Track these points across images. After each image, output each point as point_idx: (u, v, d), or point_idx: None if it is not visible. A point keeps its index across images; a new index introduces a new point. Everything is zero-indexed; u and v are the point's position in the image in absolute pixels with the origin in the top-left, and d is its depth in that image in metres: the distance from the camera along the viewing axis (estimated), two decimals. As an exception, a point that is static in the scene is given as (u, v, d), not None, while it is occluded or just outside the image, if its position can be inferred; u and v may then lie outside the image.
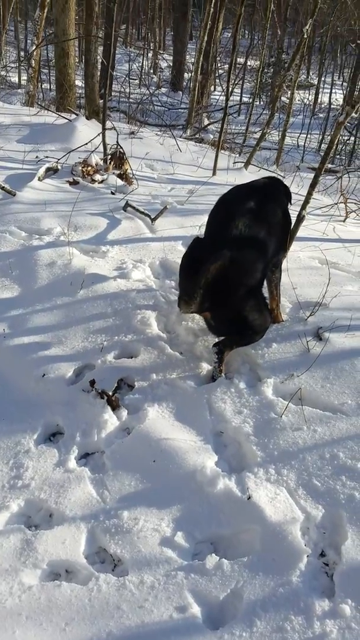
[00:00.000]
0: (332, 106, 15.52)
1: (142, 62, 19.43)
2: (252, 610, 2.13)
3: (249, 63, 18.71)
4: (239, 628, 2.08)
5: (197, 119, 12.67)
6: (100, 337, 3.55)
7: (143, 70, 19.13)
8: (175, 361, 3.39)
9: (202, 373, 3.33)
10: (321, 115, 15.99)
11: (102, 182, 6.04)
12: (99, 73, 10.75)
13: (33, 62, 10.67)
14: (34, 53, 10.69)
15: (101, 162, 6.36)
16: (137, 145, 7.43)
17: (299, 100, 16.22)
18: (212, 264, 2.98)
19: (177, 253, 4.49)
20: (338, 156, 12.35)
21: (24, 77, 14.26)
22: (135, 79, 18.01)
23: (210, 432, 2.93)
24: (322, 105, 17.32)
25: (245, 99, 16.72)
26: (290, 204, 3.83)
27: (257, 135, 9.17)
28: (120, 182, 6.06)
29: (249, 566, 2.28)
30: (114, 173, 6.24)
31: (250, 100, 11.88)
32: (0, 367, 3.42)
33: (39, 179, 5.82)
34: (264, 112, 15.04)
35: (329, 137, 10.75)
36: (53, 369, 3.32)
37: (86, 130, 7.42)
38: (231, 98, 9.13)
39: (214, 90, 17.89)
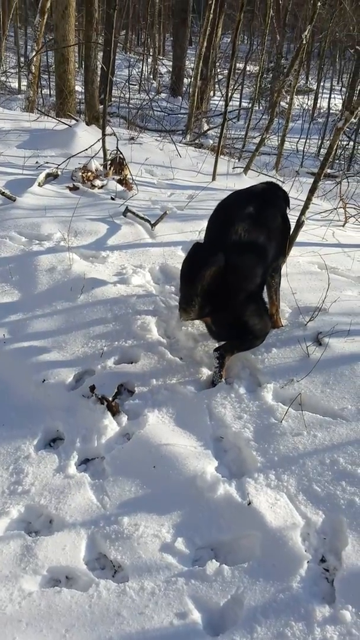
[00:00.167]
0: (331, 111, 15.58)
1: (142, 68, 19.50)
2: (253, 616, 2.12)
3: (248, 68, 18.77)
4: (240, 634, 2.07)
5: (197, 124, 12.72)
6: (100, 342, 3.55)
7: (143, 76, 19.20)
8: (175, 366, 3.40)
9: (202, 378, 3.33)
10: (320, 120, 16.05)
11: (102, 187, 6.05)
12: (98, 79, 10.79)
13: (33, 67, 10.71)
14: (34, 59, 10.73)
15: (101, 168, 6.38)
16: (136, 151, 7.45)
17: (298, 105, 16.27)
18: (207, 270, 2.99)
19: (177, 258, 4.50)
20: (337, 161, 12.39)
21: (24, 82, 14.31)
22: (135, 85, 18.07)
23: (210, 437, 2.93)
24: (321, 110, 17.37)
25: (244, 104, 16.77)
26: (289, 209, 3.84)
27: (257, 141, 9.19)
28: (120, 187, 6.07)
29: (250, 572, 2.28)
30: (113, 179, 6.25)
31: (250, 105, 11.92)
32: (1, 372, 3.42)
33: (39, 185, 5.83)
34: (263, 117, 15.07)
35: (328, 142, 10.78)
36: (53, 374, 3.32)
37: (86, 136, 7.44)
38: (230, 103, 9.16)
39: (214, 95, 17.96)
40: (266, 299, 3.60)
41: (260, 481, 2.64)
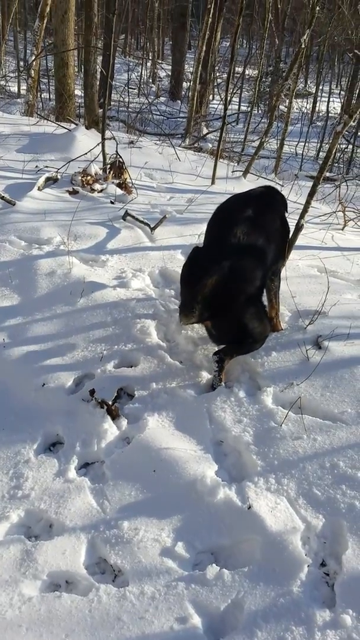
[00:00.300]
0: (329, 114, 15.60)
1: (141, 72, 19.52)
2: (253, 620, 2.12)
3: (247, 72, 18.84)
4: (240, 639, 2.07)
5: (196, 128, 12.74)
6: (100, 346, 3.56)
7: (142, 80, 19.22)
8: (175, 370, 3.40)
9: (201, 382, 3.33)
10: (319, 123, 16.08)
11: (101, 191, 6.06)
12: (98, 83, 10.83)
13: (32, 72, 10.74)
14: (34, 63, 10.76)
15: (100, 172, 6.39)
16: (136, 155, 7.46)
17: (297, 108, 16.32)
18: (208, 279, 2.99)
19: (176, 262, 4.51)
20: (336, 164, 12.41)
21: (24, 86, 14.33)
22: (134, 89, 18.10)
23: (210, 441, 2.93)
24: (320, 114, 17.41)
25: (243, 108, 16.81)
26: (287, 213, 3.85)
27: (256, 144, 9.21)
28: (119, 191, 6.08)
29: (250, 576, 2.28)
30: (113, 182, 6.26)
31: (249, 109, 11.95)
32: (0, 376, 3.42)
33: (39, 189, 5.84)
34: (263, 120, 15.13)
35: (327, 146, 10.81)
36: (53, 378, 3.32)
37: (85, 140, 7.45)
38: (229, 107, 9.16)
39: (213, 99, 17.99)
40: (266, 303, 3.61)
41: (260, 485, 2.64)
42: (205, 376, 3.36)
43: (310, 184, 5.80)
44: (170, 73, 20.14)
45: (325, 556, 2.37)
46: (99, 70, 10.88)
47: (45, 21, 10.48)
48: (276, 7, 17.03)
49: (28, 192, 5.68)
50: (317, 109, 17.25)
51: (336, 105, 18.53)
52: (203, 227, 3.75)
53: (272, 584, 2.24)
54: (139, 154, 7.64)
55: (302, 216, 4.23)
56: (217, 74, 17.57)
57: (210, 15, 10.68)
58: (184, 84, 18.90)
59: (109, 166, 6.46)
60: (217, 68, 17.47)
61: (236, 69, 18.06)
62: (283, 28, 19.01)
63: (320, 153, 13.30)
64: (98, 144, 6.63)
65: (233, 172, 7.95)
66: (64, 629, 2.10)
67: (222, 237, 3.28)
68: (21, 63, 18.35)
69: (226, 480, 2.70)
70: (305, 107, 17.39)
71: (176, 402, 3.16)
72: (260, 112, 17.44)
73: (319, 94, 17.17)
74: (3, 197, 5.43)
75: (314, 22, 7.32)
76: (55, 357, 3.48)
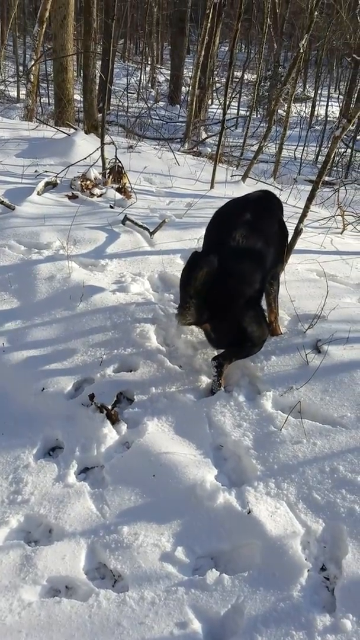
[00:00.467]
0: (328, 118, 15.64)
1: (140, 77, 19.58)
2: (253, 625, 2.12)
3: (246, 77, 18.88)
4: (240, 644, 2.06)
5: (195, 133, 12.78)
6: (99, 350, 3.56)
7: (141, 85, 19.28)
8: (175, 374, 3.40)
9: (201, 386, 3.33)
10: (318, 127, 16.12)
11: (100, 196, 6.07)
12: (97, 88, 10.83)
13: (32, 76, 10.77)
14: (33, 68, 10.79)
15: (100, 176, 6.40)
16: (135, 159, 7.47)
17: (295, 113, 16.34)
18: (199, 271, 3.00)
19: (175, 266, 4.51)
20: (335, 168, 12.43)
21: (23, 91, 14.38)
22: (134, 93, 18.15)
23: (209, 445, 2.92)
24: (319, 118, 17.46)
25: (242, 112, 16.85)
26: (283, 217, 3.86)
27: (255, 148, 9.24)
28: (119, 196, 6.09)
29: (250, 581, 2.27)
30: (112, 187, 6.27)
31: (248, 113, 11.98)
32: (0, 381, 3.42)
33: (38, 193, 5.85)
34: (261, 125, 15.16)
35: (325, 150, 10.83)
36: (52, 383, 3.32)
37: (85, 145, 7.47)
38: (228, 111, 9.19)
39: (212, 103, 18.04)
40: (265, 307, 3.61)
41: (260, 489, 2.64)
42: (205, 380, 3.36)
43: (309, 188, 5.82)
44: (169, 78, 20.21)
45: (325, 560, 2.37)
46: (98, 75, 10.91)
47: (44, 26, 10.51)
48: (275, 12, 17.06)
49: (27, 197, 5.69)
50: (315, 113, 17.30)
51: (335, 109, 18.59)
52: (202, 232, 3.75)
53: (272, 589, 2.24)
54: (138, 159, 7.65)
55: (301, 220, 4.24)
56: (216, 79, 17.61)
57: (209, 20, 10.73)
58: (183, 89, 18.95)
59: (108, 171, 6.48)
60: (216, 73, 17.51)
61: (235, 73, 18.17)
62: (282, 32, 19.05)
63: (319, 157, 13.33)
64: (97, 149, 6.64)
65: (232, 176, 7.97)
66: (64, 634, 2.10)
67: (221, 241, 3.29)
68: (20, 68, 18.43)
69: (226, 485, 2.70)
70: (304, 111, 17.44)
71: (176, 406, 3.16)
72: (259, 116, 17.49)
73: (318, 98, 17.23)
74: (2, 201, 5.43)
75: (313, 26, 7.35)
76: (54, 361, 3.48)
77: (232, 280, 3.12)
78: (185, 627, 2.12)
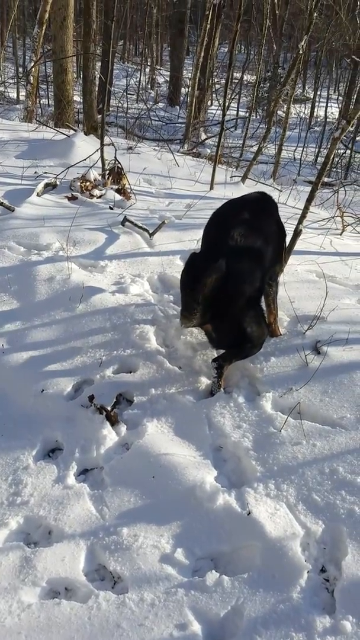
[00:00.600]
0: (327, 119, 15.64)
1: (140, 78, 19.59)
2: (253, 627, 2.12)
3: (245, 78, 18.88)
4: (240, 646, 2.06)
5: (195, 134, 12.78)
6: (99, 351, 3.56)
7: (140, 86, 19.28)
8: (174, 376, 3.40)
9: (200, 387, 3.33)
10: (317, 128, 16.12)
11: (100, 197, 6.07)
12: (97, 89, 10.85)
13: (31, 78, 10.78)
14: (33, 69, 10.80)
15: (99, 178, 6.40)
16: (135, 160, 7.47)
17: (295, 114, 16.33)
18: (208, 278, 3.00)
19: (175, 267, 4.51)
20: (334, 169, 12.43)
21: (23, 93, 14.37)
22: (133, 94, 18.16)
23: (209, 447, 2.92)
24: (318, 119, 17.46)
25: (242, 114, 16.86)
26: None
27: (254, 149, 9.24)
28: (118, 197, 6.09)
29: (250, 582, 2.27)
30: (112, 188, 6.27)
31: (247, 114, 11.99)
32: (-1, 382, 3.43)
33: (38, 195, 5.85)
34: (261, 126, 15.15)
35: (325, 151, 10.84)
36: (52, 384, 3.32)
37: (84, 146, 7.47)
38: (228, 112, 9.19)
39: (211, 104, 18.03)
40: (264, 307, 3.61)
41: (260, 491, 2.63)
42: (205, 381, 3.36)
43: (308, 189, 5.82)
44: (168, 79, 20.22)
45: (325, 562, 2.36)
46: (98, 76, 10.92)
47: (44, 28, 10.53)
48: (274, 13, 17.08)
49: (27, 198, 5.69)
50: (315, 114, 17.30)
51: (334, 111, 18.57)
52: (202, 233, 3.75)
53: (272, 590, 2.23)
54: (137, 160, 7.65)
55: (300, 221, 4.24)
56: (216, 80, 17.61)
57: (209, 22, 10.74)
58: (183, 90, 18.95)
59: (107, 172, 6.48)
60: (215, 74, 17.50)
61: (234, 74, 18.16)
62: (281, 34, 19.05)
63: (319, 158, 13.33)
64: (97, 150, 6.64)
65: (232, 177, 7.97)
66: (64, 636, 2.09)
67: (219, 241, 3.29)
68: (20, 69, 18.42)
69: (225, 486, 2.70)
70: (304, 113, 17.42)
71: (175, 407, 3.16)
72: (258, 117, 17.48)
73: (317, 99, 17.23)
74: (2, 203, 5.43)
75: (312, 27, 7.35)
76: (54, 363, 3.48)
77: (232, 280, 3.12)
78: (185, 628, 2.12)
